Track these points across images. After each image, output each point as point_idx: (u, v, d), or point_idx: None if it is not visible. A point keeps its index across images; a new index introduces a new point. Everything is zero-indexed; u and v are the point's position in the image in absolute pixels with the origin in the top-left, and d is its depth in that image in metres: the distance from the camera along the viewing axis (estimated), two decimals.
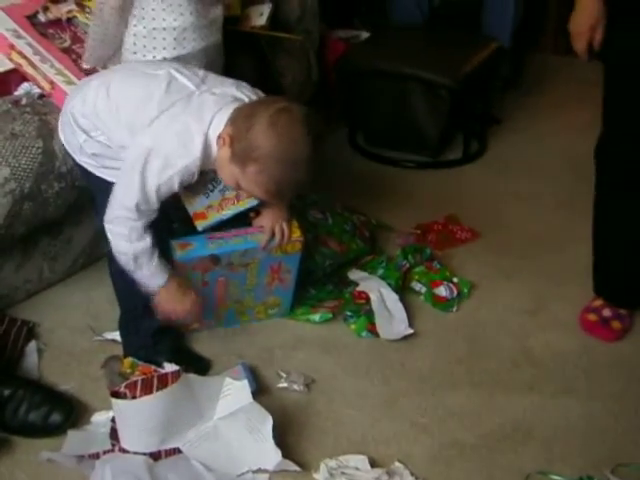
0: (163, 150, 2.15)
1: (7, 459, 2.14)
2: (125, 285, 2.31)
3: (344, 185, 3.30)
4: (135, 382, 2.07)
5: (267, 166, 2.10)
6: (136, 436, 2.06)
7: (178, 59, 2.45)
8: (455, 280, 2.79)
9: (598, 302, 2.64)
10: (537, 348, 2.57)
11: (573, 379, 2.45)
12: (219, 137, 2.16)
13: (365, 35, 3.84)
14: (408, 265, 2.81)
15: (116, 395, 2.08)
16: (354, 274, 2.77)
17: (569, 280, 2.84)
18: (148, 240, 2.18)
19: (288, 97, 2.18)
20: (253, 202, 2.35)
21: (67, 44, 2.70)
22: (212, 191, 2.34)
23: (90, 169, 2.33)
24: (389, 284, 2.70)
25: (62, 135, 2.38)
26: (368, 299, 2.65)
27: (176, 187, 2.18)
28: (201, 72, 2.32)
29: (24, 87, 2.66)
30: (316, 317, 2.63)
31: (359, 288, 2.70)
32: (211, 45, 2.55)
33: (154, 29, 2.44)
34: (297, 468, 2.08)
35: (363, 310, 2.63)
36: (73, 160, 2.38)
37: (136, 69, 2.36)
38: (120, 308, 2.45)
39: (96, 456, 2.09)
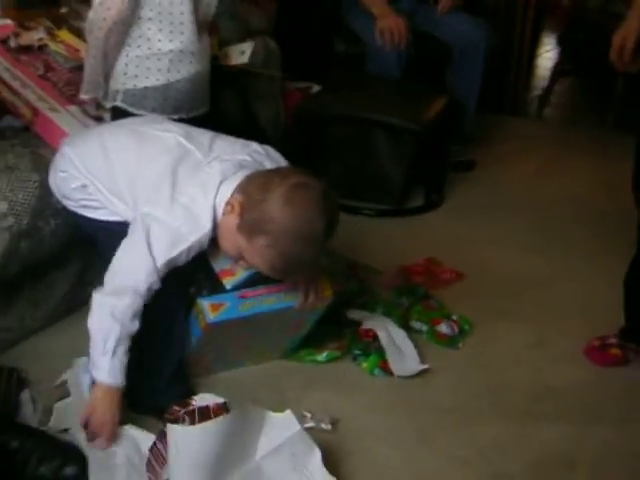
0: (173, 226, 2.06)
1: None
2: (143, 320, 2.15)
3: None
4: (193, 410, 1.90)
5: (279, 241, 2.02)
6: (187, 470, 1.87)
7: (168, 87, 2.36)
8: (455, 317, 2.73)
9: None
10: (552, 379, 2.52)
11: (597, 406, 2.41)
12: (227, 203, 2.08)
13: (317, 88, 3.80)
14: (407, 304, 2.73)
15: (174, 421, 1.89)
16: (354, 314, 2.67)
17: (564, 314, 2.83)
18: (137, 325, 2.05)
19: (305, 172, 2.11)
20: None
21: (41, 72, 2.59)
22: None
23: (76, 210, 2.26)
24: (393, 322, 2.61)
25: (50, 178, 2.30)
26: (375, 337, 2.56)
27: (183, 260, 2.08)
28: (208, 136, 2.25)
29: (6, 120, 2.52)
30: (322, 357, 2.52)
31: (364, 326, 2.60)
32: (202, 72, 2.51)
33: (150, 53, 2.35)
34: None
35: (372, 348, 2.54)
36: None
37: (139, 130, 2.26)
38: (132, 348, 2.25)
39: None
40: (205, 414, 1.92)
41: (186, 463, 1.86)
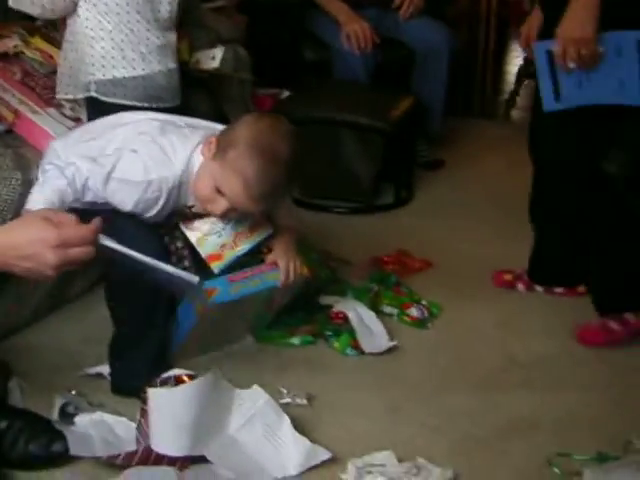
0: (142, 158, 2.19)
1: None
2: (125, 306, 2.27)
3: None
4: (168, 378, 2.01)
5: (246, 151, 2.15)
6: (169, 434, 1.97)
7: (137, 78, 2.54)
8: (424, 302, 2.84)
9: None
10: (520, 353, 2.64)
11: (562, 376, 2.53)
12: (204, 145, 2.20)
13: (286, 93, 3.92)
14: (376, 289, 2.84)
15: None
16: (325, 299, 2.78)
17: (530, 296, 2.95)
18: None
19: None
20: (267, 232, 2.36)
21: (18, 77, 2.68)
22: (224, 229, 2.33)
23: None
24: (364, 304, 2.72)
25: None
26: (346, 318, 2.66)
27: (129, 200, 2.19)
28: (184, 118, 2.39)
29: None
30: (296, 340, 2.62)
31: (335, 309, 2.70)
32: (170, 68, 2.64)
33: (114, 45, 2.51)
34: (328, 454, 2.08)
35: (343, 329, 2.64)
36: None
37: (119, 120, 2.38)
38: (115, 332, 2.37)
39: (116, 458, 2.01)
40: (180, 382, 2.03)
41: (168, 425, 1.97)
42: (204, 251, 2.31)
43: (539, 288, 2.94)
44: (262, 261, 2.39)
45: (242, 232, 2.35)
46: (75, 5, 2.53)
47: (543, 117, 2.62)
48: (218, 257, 2.32)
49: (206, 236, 2.30)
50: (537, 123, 2.75)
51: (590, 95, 2.45)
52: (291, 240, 2.42)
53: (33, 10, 2.55)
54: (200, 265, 2.35)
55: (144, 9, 2.55)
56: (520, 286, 2.97)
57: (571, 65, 2.41)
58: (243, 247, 2.34)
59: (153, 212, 2.24)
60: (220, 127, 2.35)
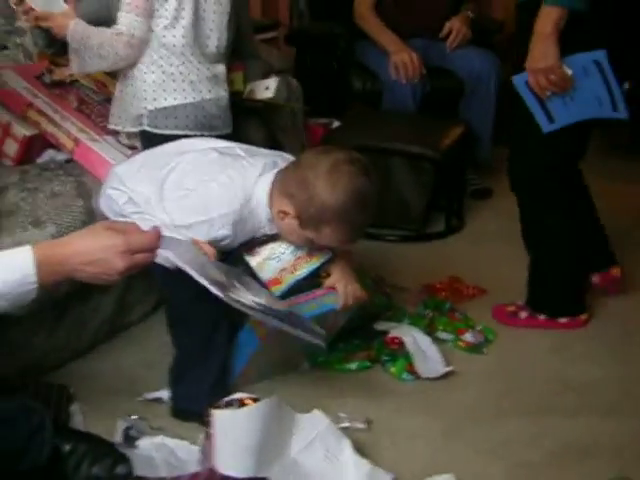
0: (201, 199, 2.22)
1: None
2: (186, 328, 2.31)
3: None
4: (231, 401, 2.04)
5: (341, 222, 2.19)
6: (234, 455, 2.00)
7: (188, 106, 2.58)
8: (479, 328, 2.86)
9: None
10: (573, 378, 2.66)
11: (616, 400, 2.54)
12: (278, 212, 2.23)
13: (337, 123, 3.96)
14: (431, 315, 2.86)
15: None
16: (381, 325, 2.81)
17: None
18: None
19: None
20: (326, 256, 2.39)
21: (75, 105, 2.73)
22: (283, 254, 2.36)
23: None
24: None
25: (101, 201, 2.43)
26: (402, 343, 2.69)
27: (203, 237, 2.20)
28: (241, 145, 2.43)
29: (49, 154, 2.69)
30: (353, 365, 2.65)
31: (391, 335, 2.73)
32: (221, 97, 2.67)
33: (166, 77, 2.56)
34: (390, 476, 2.12)
35: (399, 353, 2.67)
36: None
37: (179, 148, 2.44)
38: (176, 355, 2.41)
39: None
40: (244, 405, 2.06)
41: (233, 447, 2.00)
42: (264, 276, 2.35)
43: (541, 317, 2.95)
44: (320, 285, 2.42)
45: (301, 256, 2.38)
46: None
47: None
48: (278, 281, 2.36)
49: (266, 260, 2.34)
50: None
51: (577, 112, 2.66)
52: (349, 264, 2.45)
53: (99, 65, 2.58)
54: None
55: (194, 44, 2.60)
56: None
57: (547, 93, 2.62)
58: (302, 271, 2.37)
59: (226, 242, 2.28)
60: (279, 155, 2.38)
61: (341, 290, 2.41)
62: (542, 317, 2.91)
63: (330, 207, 2.16)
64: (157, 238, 1.76)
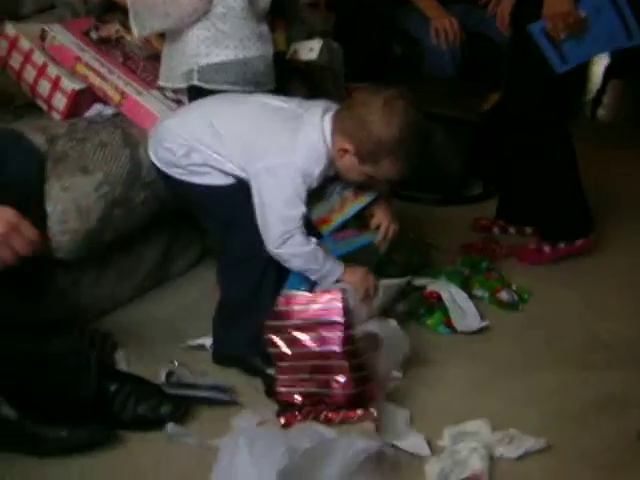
0: (297, 166, 2.29)
1: (123, 451, 2.15)
2: (234, 277, 2.37)
3: None
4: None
5: (398, 154, 2.29)
6: None
7: (238, 63, 2.60)
8: (514, 287, 2.90)
9: None
10: (604, 334, 2.71)
11: None
12: (338, 150, 2.31)
13: None
14: (467, 273, 2.90)
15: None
16: (419, 280, 2.84)
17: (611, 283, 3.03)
18: (313, 239, 2.32)
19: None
20: (371, 196, 2.47)
21: (121, 60, 2.78)
22: (331, 195, 2.46)
23: (183, 178, 2.41)
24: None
25: (151, 152, 2.47)
26: (439, 298, 2.73)
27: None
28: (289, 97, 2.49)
29: (96, 108, 2.72)
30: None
31: (428, 289, 2.78)
32: (266, 54, 2.69)
33: (217, 35, 2.57)
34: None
35: (436, 307, 2.72)
36: (162, 173, 2.46)
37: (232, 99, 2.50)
38: (221, 301, 2.47)
39: None
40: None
41: None
42: (314, 215, 2.42)
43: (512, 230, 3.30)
44: (365, 225, 2.51)
45: (348, 196, 2.47)
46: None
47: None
48: (327, 221, 2.45)
49: (316, 202, 2.41)
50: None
51: (590, 50, 2.92)
52: (390, 206, 2.54)
53: (163, 24, 2.57)
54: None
55: (249, 4, 2.63)
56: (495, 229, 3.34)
57: (563, 36, 2.80)
58: (350, 211, 2.46)
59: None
60: (326, 102, 2.44)
61: (384, 227, 2.49)
62: (562, 245, 3.10)
63: (387, 141, 2.26)
64: (40, 235, 1.88)
